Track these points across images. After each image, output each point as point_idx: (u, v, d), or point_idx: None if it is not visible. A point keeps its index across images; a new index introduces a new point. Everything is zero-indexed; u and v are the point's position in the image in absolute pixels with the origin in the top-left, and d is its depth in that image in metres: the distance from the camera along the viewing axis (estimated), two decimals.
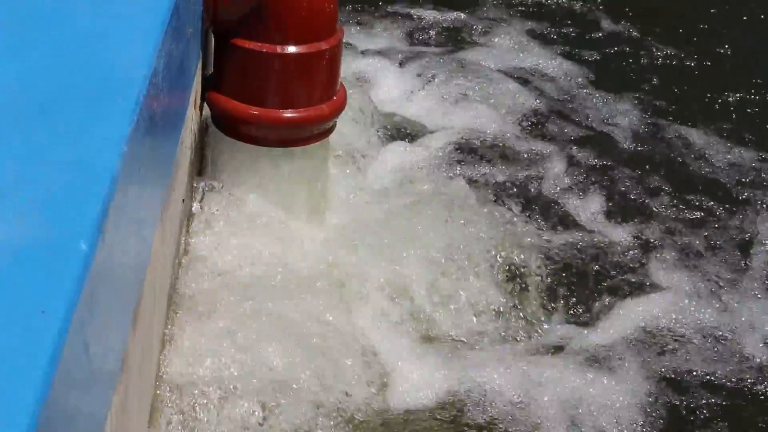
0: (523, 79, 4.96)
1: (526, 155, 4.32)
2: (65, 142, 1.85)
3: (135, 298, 2.07)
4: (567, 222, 3.94)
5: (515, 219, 3.80)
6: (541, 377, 3.12)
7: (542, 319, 3.44)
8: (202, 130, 3.34)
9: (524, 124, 4.57)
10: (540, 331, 3.39)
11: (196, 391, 2.70)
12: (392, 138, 4.25)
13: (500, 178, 4.13)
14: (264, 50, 3.09)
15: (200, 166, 3.31)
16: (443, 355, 3.16)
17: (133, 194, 2.00)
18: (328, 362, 2.92)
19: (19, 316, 1.45)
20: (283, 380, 2.81)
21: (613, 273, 3.69)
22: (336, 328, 3.03)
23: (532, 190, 4.11)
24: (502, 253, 3.53)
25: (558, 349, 3.29)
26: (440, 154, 4.17)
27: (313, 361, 2.89)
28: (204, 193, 3.22)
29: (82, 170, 1.78)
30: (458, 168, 4.12)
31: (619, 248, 3.82)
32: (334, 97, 3.24)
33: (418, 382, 3.04)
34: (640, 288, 3.62)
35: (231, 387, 2.75)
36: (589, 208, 4.04)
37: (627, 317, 3.45)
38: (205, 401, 2.69)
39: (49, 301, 1.48)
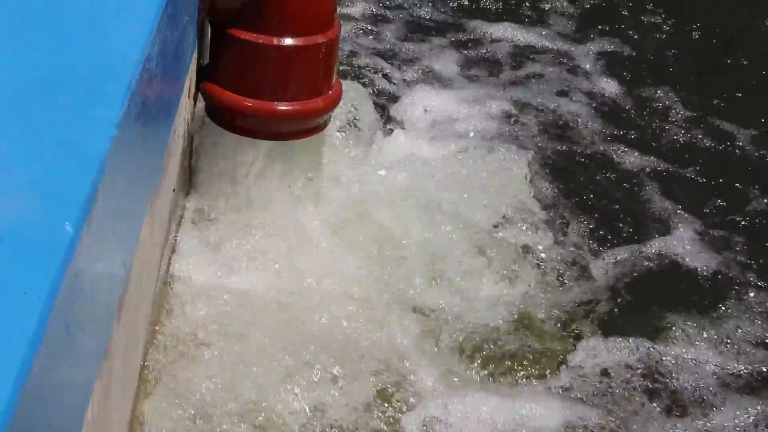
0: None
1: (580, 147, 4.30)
2: (56, 125, 1.82)
3: (121, 285, 2.05)
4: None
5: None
6: None
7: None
8: (196, 121, 3.31)
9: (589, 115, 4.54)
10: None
11: None
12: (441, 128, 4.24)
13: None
14: (260, 42, 3.06)
15: (191, 157, 3.28)
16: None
17: (123, 179, 1.98)
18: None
19: (1, 296, 1.43)
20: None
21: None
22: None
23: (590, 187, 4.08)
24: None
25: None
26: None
27: None
28: (194, 185, 3.20)
29: (72, 153, 1.75)
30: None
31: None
32: (330, 91, 3.21)
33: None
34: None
35: None
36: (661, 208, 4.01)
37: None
38: None
39: (32, 282, 1.46)
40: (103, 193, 1.75)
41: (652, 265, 3.66)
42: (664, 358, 3.19)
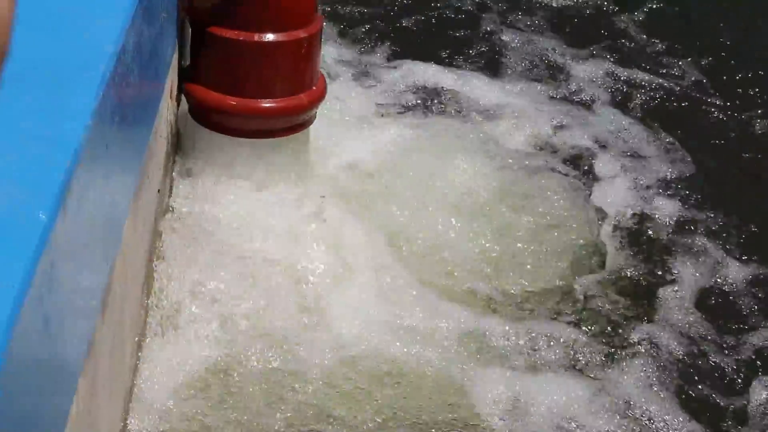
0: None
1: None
2: (30, 116, 1.79)
3: (103, 281, 2.01)
4: None
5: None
6: None
7: None
8: (180, 123, 3.27)
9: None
10: None
11: None
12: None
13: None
14: (241, 38, 3.03)
15: (175, 158, 3.25)
16: None
17: (100, 173, 1.94)
18: None
19: None
20: None
21: None
22: None
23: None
24: None
25: None
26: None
27: None
28: (180, 185, 3.16)
29: (46, 142, 1.72)
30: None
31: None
32: (313, 87, 3.18)
33: None
34: None
35: None
36: None
37: None
38: None
39: (4, 269, 1.42)
40: (79, 184, 1.72)
41: None
42: None
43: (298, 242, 3.24)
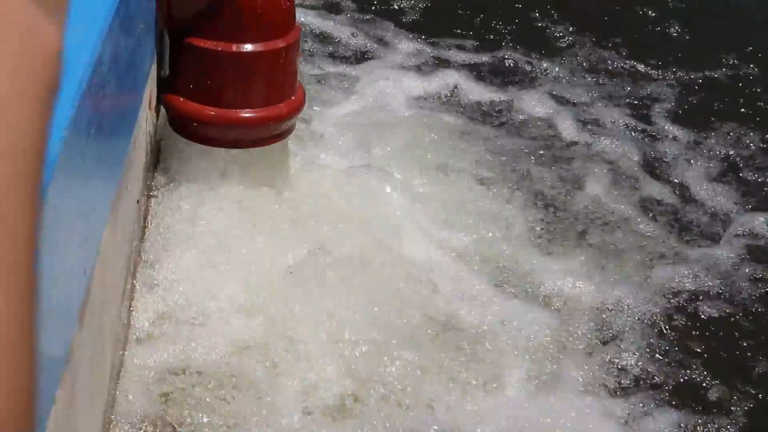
0: None
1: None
2: None
3: (81, 291, 2.02)
4: None
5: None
6: None
7: None
8: (159, 133, 3.29)
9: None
10: None
11: None
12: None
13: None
14: (219, 49, 3.05)
15: (155, 169, 3.26)
16: None
17: (77, 184, 1.95)
18: None
19: None
20: None
21: None
22: None
23: None
24: None
25: None
26: None
27: None
28: (159, 195, 3.17)
29: None
30: None
31: None
32: (293, 97, 3.19)
33: None
34: None
35: None
36: None
37: None
38: None
39: None
40: (55, 196, 1.72)
41: None
42: None
43: (279, 252, 3.25)
